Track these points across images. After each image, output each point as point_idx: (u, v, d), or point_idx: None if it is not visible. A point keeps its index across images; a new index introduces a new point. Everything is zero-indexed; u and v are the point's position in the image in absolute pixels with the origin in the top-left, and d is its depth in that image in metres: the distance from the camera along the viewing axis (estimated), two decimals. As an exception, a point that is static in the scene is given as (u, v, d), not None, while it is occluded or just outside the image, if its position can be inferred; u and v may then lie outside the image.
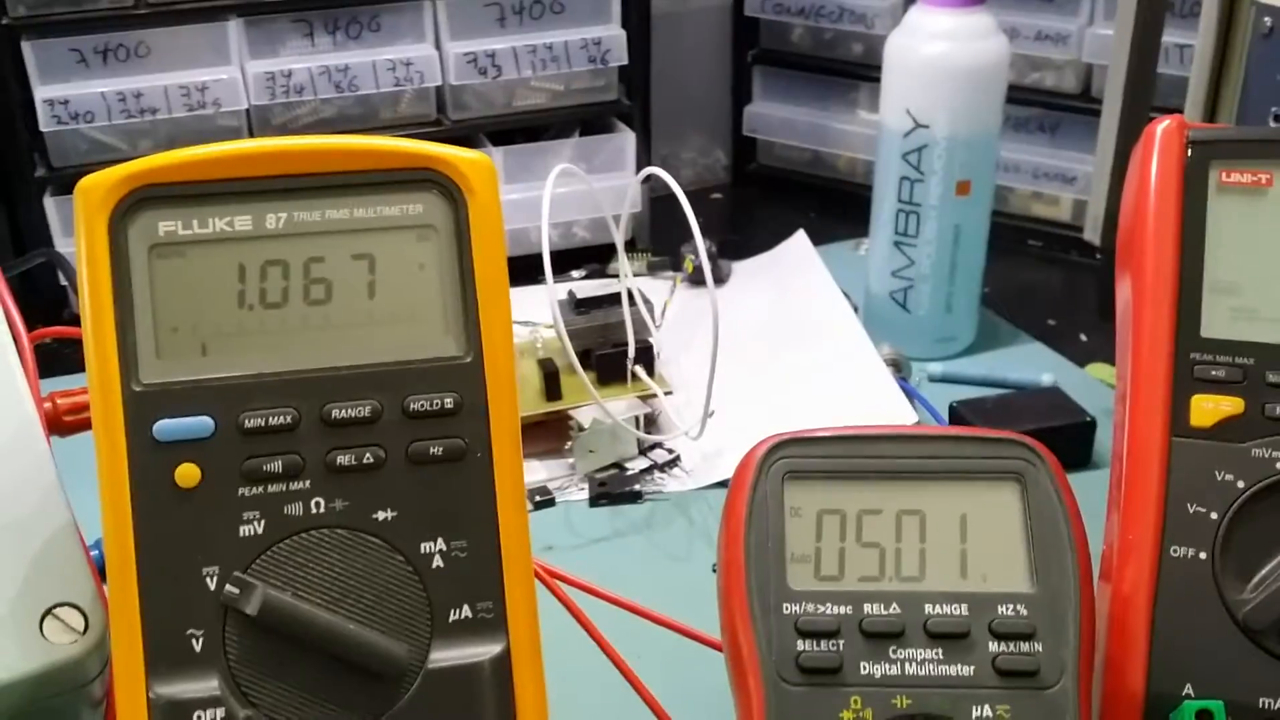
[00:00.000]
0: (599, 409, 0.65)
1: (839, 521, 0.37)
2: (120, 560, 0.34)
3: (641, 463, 0.65)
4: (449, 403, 0.36)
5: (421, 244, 0.36)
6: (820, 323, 0.77)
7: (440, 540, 0.35)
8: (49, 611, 0.38)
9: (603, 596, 0.42)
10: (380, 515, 0.35)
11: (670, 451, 0.66)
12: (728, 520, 0.37)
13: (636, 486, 0.64)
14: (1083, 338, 0.81)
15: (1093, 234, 0.75)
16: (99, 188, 0.35)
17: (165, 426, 0.34)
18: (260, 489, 0.35)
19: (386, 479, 0.35)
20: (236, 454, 0.35)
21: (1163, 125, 0.43)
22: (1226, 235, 0.42)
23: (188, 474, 0.34)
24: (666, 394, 0.68)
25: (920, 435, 0.38)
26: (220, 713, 0.34)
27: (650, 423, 0.67)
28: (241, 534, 0.35)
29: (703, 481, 0.65)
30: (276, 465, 0.35)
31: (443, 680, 0.35)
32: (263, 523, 0.35)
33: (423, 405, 0.35)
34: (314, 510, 0.35)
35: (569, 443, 0.66)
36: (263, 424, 0.35)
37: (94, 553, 0.41)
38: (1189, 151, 0.42)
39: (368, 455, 0.35)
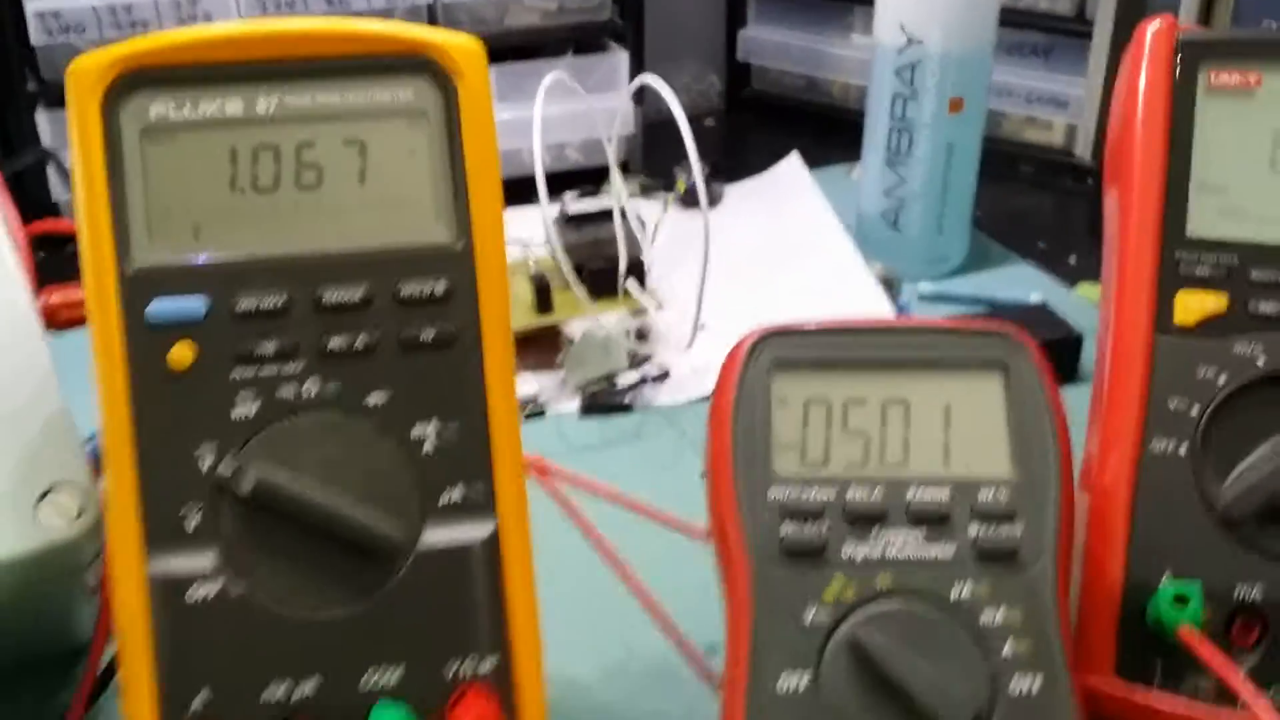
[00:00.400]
0: (590, 322, 0.66)
1: (825, 410, 0.37)
2: (116, 442, 0.35)
3: (632, 376, 0.66)
4: (440, 288, 0.36)
5: (412, 130, 0.36)
6: (813, 242, 0.77)
7: (431, 424, 0.36)
8: (44, 495, 0.38)
9: (588, 485, 0.43)
10: (372, 399, 0.36)
11: (660, 365, 0.66)
12: (715, 409, 0.38)
13: (626, 399, 0.64)
14: (1072, 260, 0.81)
15: (1084, 150, 0.75)
16: (91, 71, 0.35)
17: (158, 309, 0.35)
18: (253, 371, 0.35)
19: (378, 363, 0.36)
20: (229, 336, 0.35)
21: (1153, 26, 0.43)
22: (1214, 136, 0.42)
23: (181, 356, 0.35)
24: (658, 308, 0.68)
25: (906, 327, 0.38)
26: (215, 588, 0.34)
27: (641, 337, 0.68)
28: (234, 416, 0.35)
29: (692, 394, 0.65)
30: (269, 348, 0.35)
31: (433, 561, 0.36)
32: (256, 404, 0.35)
33: (414, 291, 0.36)
34: (306, 393, 0.35)
35: (560, 355, 0.66)
36: (255, 307, 0.35)
37: (88, 446, 0.42)
38: (1179, 53, 0.43)
39: (360, 340, 0.36)
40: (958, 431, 0.37)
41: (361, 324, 0.36)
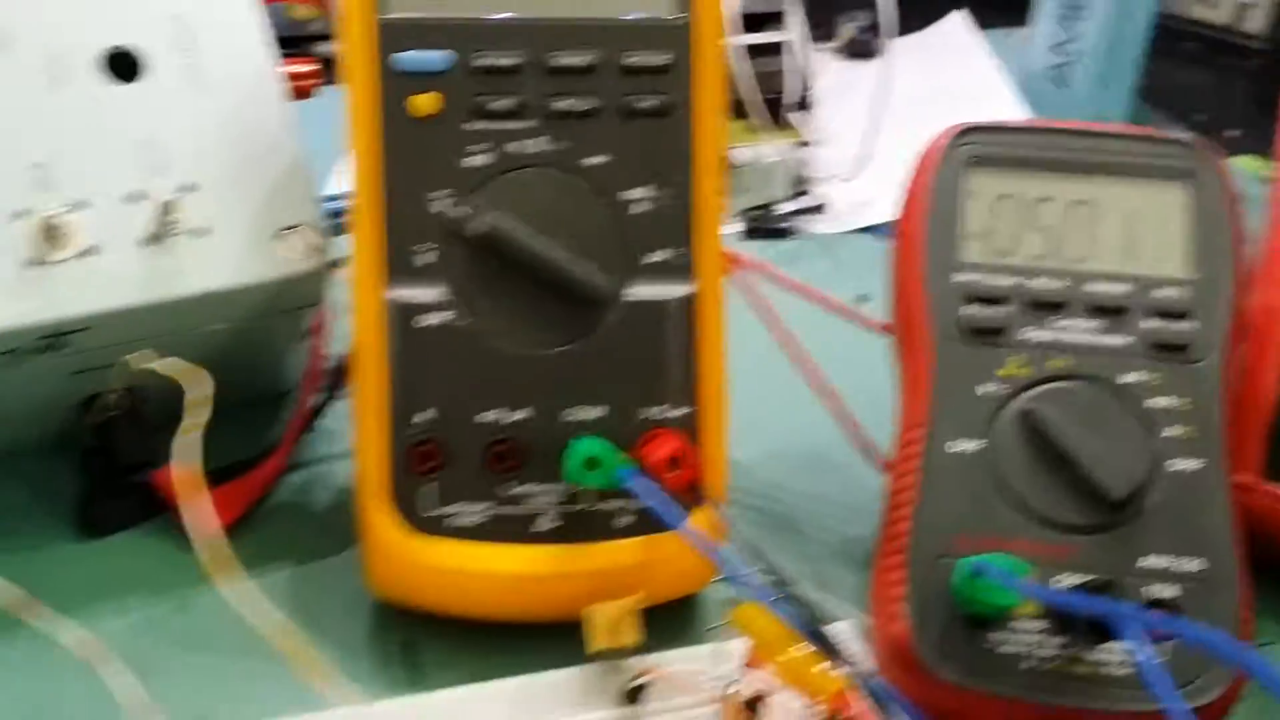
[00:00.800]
0: (754, 150, 0.68)
1: (1014, 205, 0.39)
2: (363, 179, 0.38)
3: (791, 204, 0.68)
4: (661, 60, 0.38)
5: None
6: (978, 95, 0.78)
7: (642, 189, 0.39)
8: (283, 231, 0.42)
9: (773, 273, 0.46)
10: (591, 160, 0.39)
11: (820, 196, 0.68)
12: (909, 196, 0.40)
13: (785, 224, 0.67)
14: (1233, 133, 0.81)
15: (1256, 26, 0.75)
16: None
17: (408, 57, 0.38)
18: (487, 124, 0.38)
19: (599, 127, 0.39)
20: (468, 89, 0.38)
21: None
22: None
23: (425, 103, 0.38)
24: (821, 142, 0.70)
25: (1100, 131, 0.40)
26: (443, 318, 0.38)
27: (801, 168, 0.70)
28: (467, 164, 0.38)
29: (849, 225, 0.67)
30: (503, 104, 0.38)
31: (635, 314, 0.39)
32: (487, 156, 0.38)
33: (637, 60, 0.38)
34: (532, 149, 0.38)
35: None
36: (493, 64, 0.38)
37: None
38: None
39: (584, 103, 0.38)
40: (1141, 233, 0.39)
41: (587, 88, 0.38)
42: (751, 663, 0.34)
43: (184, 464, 0.32)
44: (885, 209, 0.67)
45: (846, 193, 0.68)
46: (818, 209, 0.68)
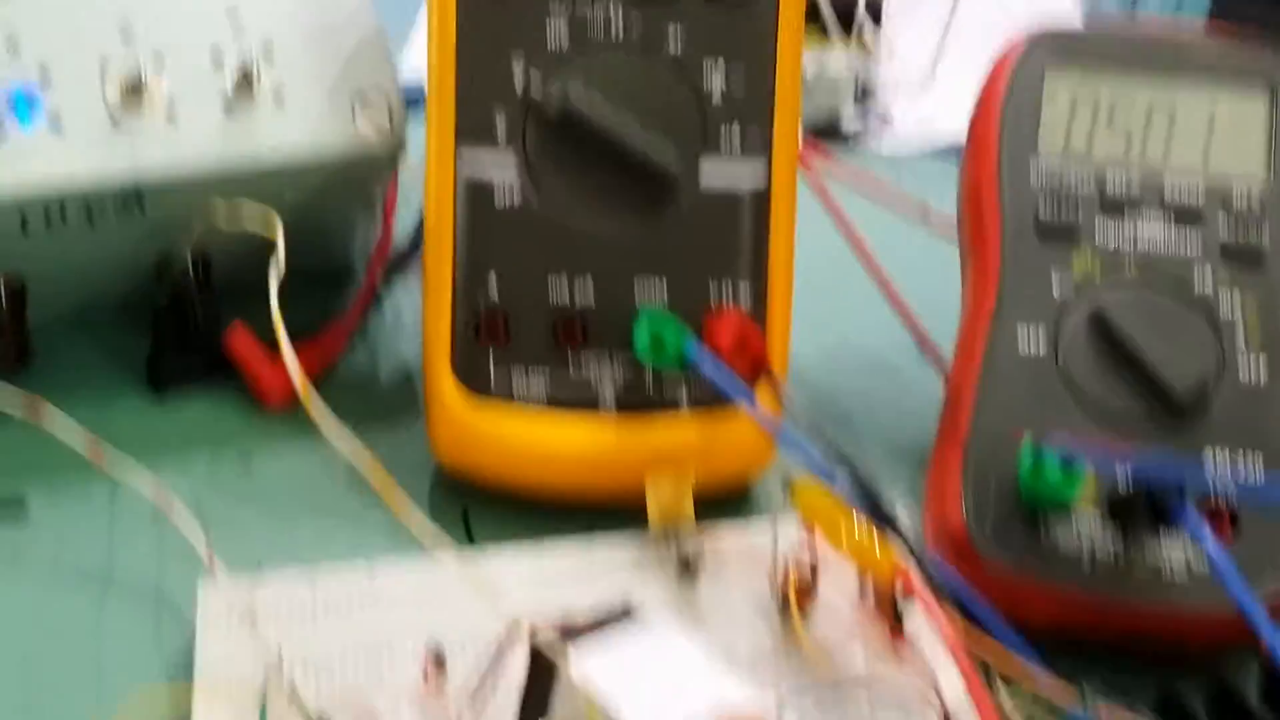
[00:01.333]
0: (820, 60, 0.67)
1: (1092, 106, 0.39)
2: (440, 50, 0.38)
3: (856, 119, 0.67)
4: None
5: None
6: (1046, 19, 0.77)
7: (722, 74, 0.39)
8: (359, 99, 0.42)
9: (844, 171, 0.46)
10: (671, 42, 0.38)
11: (885, 111, 0.68)
12: (984, 95, 0.40)
13: (850, 138, 0.66)
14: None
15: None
16: None
17: (492, -73, 0.38)
18: (570, 4, 0.38)
19: (681, 9, 0.38)
20: None
21: None
22: None
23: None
24: (890, 56, 0.69)
25: (1183, 36, 0.40)
26: (515, 189, 0.38)
27: (868, 81, 0.69)
28: (549, 44, 0.38)
29: (914, 145, 0.67)
30: None
31: (709, 199, 0.39)
32: (568, 35, 0.38)
33: None
34: (614, 31, 0.38)
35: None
36: None
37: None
38: None
39: None
40: (1218, 138, 0.38)
41: None
42: (808, 537, 0.34)
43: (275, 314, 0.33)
44: (949, 130, 0.67)
45: (911, 110, 0.68)
46: (885, 122, 0.67)
